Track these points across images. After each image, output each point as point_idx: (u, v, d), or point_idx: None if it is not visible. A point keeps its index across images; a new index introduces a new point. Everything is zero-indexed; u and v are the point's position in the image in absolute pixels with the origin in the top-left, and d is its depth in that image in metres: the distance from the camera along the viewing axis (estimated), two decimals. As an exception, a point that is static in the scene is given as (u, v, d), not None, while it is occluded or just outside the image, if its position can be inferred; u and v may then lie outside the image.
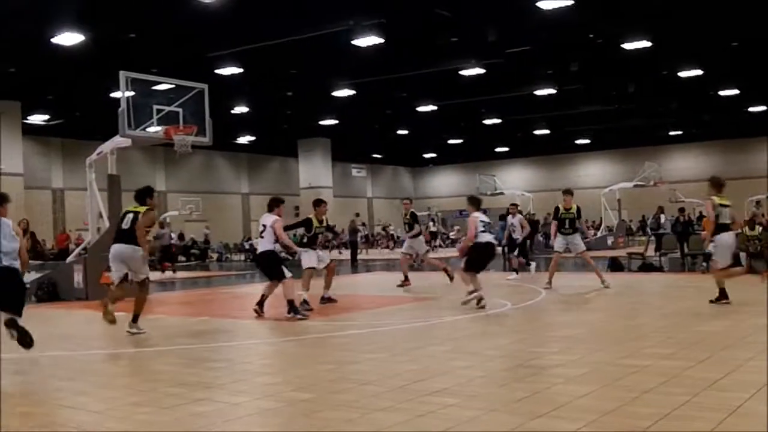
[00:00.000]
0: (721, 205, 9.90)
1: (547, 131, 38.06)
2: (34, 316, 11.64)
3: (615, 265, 17.72)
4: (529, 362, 6.31)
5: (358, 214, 36.94)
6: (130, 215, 8.98)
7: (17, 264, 6.59)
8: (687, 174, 41.90)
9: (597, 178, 44.32)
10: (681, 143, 42.93)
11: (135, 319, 8.83)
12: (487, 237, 10.33)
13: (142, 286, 8.97)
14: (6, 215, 6.82)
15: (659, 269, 17.50)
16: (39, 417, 4.88)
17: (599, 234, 32.98)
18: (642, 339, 7.47)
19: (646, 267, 17.51)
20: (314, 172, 40.15)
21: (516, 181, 44.06)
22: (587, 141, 42.84)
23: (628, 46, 20.43)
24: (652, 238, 23.69)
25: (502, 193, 35.60)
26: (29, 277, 14.98)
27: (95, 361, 7.31)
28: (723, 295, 9.75)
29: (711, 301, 9.80)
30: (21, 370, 6.81)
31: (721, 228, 9.84)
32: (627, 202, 36.16)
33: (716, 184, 10.06)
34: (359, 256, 28.48)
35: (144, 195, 9.17)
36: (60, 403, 5.28)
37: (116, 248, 8.87)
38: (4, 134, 26.23)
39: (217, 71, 21.58)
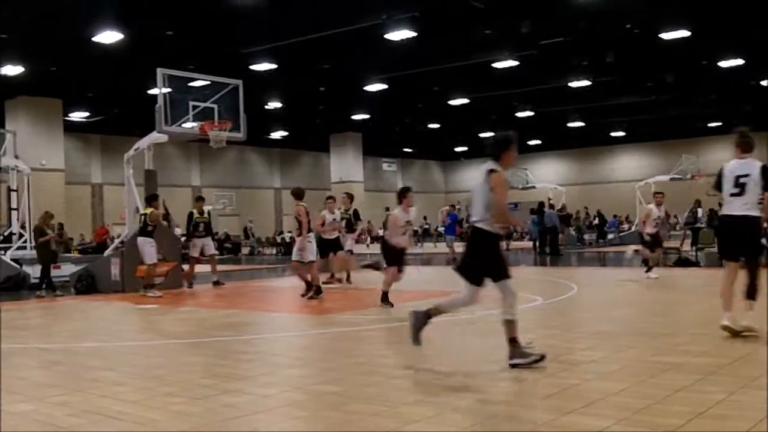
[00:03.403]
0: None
1: (581, 123, 37.65)
2: (72, 308, 11.94)
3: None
4: (559, 357, 6.27)
5: (388, 209, 37.00)
6: None
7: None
8: (726, 167, 41.09)
9: (632, 171, 43.71)
10: (721, 135, 42.10)
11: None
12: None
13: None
14: None
15: (695, 264, 17.23)
16: (76, 405, 4.99)
17: (633, 228, 32.59)
18: (676, 335, 7.37)
19: (682, 262, 17.26)
20: (345, 166, 40.28)
21: (548, 175, 43.70)
22: (622, 133, 42.27)
23: (666, 36, 20.09)
24: (688, 232, 23.39)
25: (533, 187, 35.34)
26: (68, 269, 15.38)
27: (130, 352, 7.44)
28: (319, 290, 11.63)
29: (309, 297, 11.62)
30: (58, 360, 6.96)
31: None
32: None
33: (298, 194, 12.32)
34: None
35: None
36: (96, 392, 5.39)
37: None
38: (47, 131, 26.79)
39: (252, 67, 21.76)
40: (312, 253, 11.95)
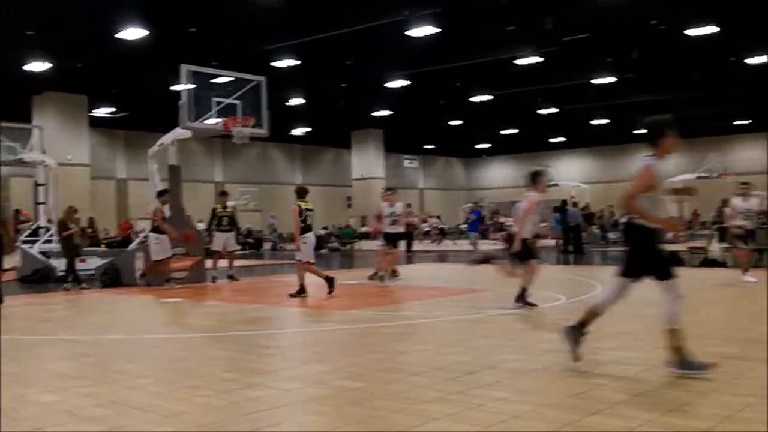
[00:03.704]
0: (307, 210, 11.57)
1: (605, 121, 37.37)
2: (97, 301, 12.08)
3: (675, 260, 17.31)
4: (584, 357, 6.23)
5: (409, 205, 36.99)
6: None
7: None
8: (754, 165, 40.60)
9: (657, 169, 43.24)
10: (748, 133, 41.55)
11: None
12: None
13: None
14: None
15: (722, 264, 17.01)
16: (102, 396, 5.06)
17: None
18: (702, 337, 7.25)
19: (709, 262, 17.05)
20: (367, 163, 40.34)
21: (572, 172, 43.44)
22: (647, 131, 41.88)
23: (692, 32, 19.85)
24: (715, 232, 23.10)
25: (556, 185, 35.11)
26: (94, 263, 15.57)
27: (155, 345, 7.52)
28: (302, 290, 11.41)
29: (291, 295, 11.33)
30: (85, 351, 7.05)
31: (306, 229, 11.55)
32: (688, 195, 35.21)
33: (299, 192, 11.93)
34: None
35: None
36: (122, 384, 5.47)
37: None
38: (73, 126, 27.12)
39: (274, 64, 21.84)
40: (306, 254, 11.63)
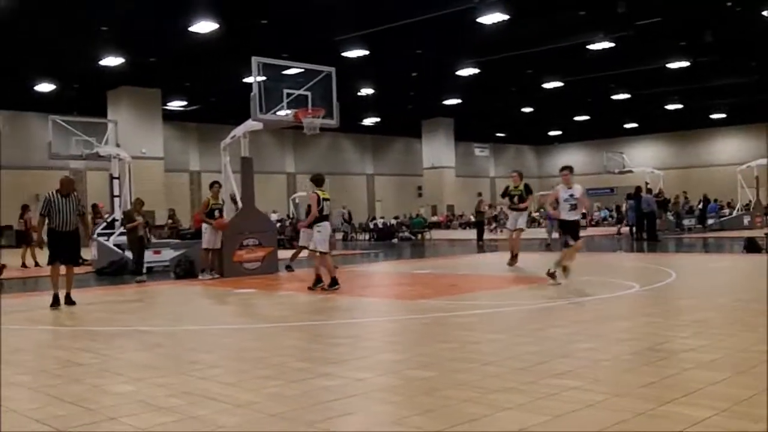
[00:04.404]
0: (324, 199, 11.31)
1: (679, 106, 36.27)
2: (171, 292, 12.42)
3: (752, 246, 16.71)
4: (657, 346, 6.09)
5: (480, 194, 36.79)
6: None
7: None
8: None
9: (732, 154, 41.89)
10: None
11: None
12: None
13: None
14: None
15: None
16: (175, 386, 5.18)
17: (735, 213, 31.18)
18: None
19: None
20: (437, 152, 40.22)
21: (646, 159, 42.30)
22: (723, 115, 40.46)
23: (770, 13, 19.09)
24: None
25: (630, 171, 34.32)
26: (168, 255, 16.00)
27: (227, 336, 7.67)
28: (334, 282, 11.10)
29: (309, 288, 11.16)
30: (159, 343, 7.25)
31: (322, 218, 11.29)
32: (766, 180, 33.87)
33: (317, 181, 11.68)
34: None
35: None
36: (195, 374, 5.57)
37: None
38: (146, 120, 27.85)
39: (344, 54, 21.97)
40: (317, 243, 11.29)
